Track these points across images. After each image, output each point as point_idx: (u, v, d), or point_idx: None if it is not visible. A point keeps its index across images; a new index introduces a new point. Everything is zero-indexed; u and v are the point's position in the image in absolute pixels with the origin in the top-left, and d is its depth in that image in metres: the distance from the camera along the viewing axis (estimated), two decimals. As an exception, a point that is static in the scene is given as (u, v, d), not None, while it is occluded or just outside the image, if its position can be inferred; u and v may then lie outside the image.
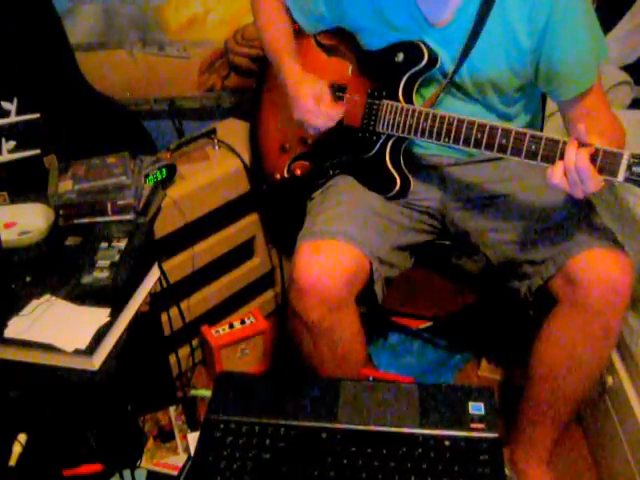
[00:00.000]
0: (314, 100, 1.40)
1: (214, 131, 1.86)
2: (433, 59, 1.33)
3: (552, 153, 1.15)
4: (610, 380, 1.50)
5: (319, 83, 1.42)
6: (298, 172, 1.57)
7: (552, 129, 1.74)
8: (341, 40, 1.48)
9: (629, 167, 1.08)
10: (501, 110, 1.40)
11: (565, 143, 1.13)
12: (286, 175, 1.60)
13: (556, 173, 1.12)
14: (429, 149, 1.46)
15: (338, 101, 1.44)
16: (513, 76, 1.33)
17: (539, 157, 1.17)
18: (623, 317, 1.27)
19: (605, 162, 1.09)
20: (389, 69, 1.37)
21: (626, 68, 2.00)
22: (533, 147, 1.17)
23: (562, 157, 1.13)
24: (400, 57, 1.35)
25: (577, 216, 1.31)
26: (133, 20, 2.10)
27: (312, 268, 1.28)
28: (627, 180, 1.08)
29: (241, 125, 1.95)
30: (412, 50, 1.33)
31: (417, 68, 1.33)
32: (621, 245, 1.27)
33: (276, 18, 1.53)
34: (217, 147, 1.85)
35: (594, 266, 1.22)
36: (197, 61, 2.14)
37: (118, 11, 2.08)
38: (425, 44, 1.32)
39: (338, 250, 1.30)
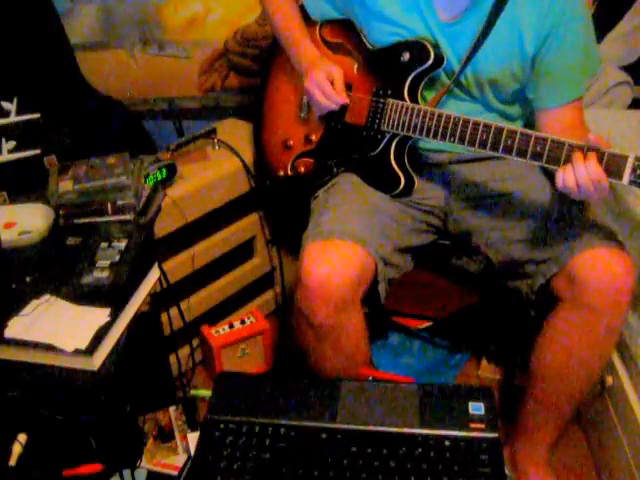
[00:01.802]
0: (327, 78, 1.41)
1: (214, 131, 1.85)
2: (439, 59, 1.33)
3: (557, 155, 1.15)
4: (610, 380, 1.49)
5: (335, 66, 1.43)
6: (302, 170, 1.58)
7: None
8: (347, 38, 1.48)
9: (634, 170, 1.07)
10: (501, 109, 1.41)
11: (571, 145, 1.13)
12: (289, 172, 1.60)
13: (568, 180, 1.12)
14: (432, 145, 1.46)
15: (336, 111, 1.45)
16: (512, 79, 1.33)
17: (544, 159, 1.17)
18: (624, 316, 1.27)
19: (610, 165, 1.09)
20: (395, 68, 1.37)
21: (626, 68, 2.00)
22: (538, 148, 1.17)
23: (567, 160, 1.13)
24: (406, 57, 1.35)
25: (579, 215, 1.32)
26: (133, 20, 2.09)
27: (319, 268, 1.27)
28: (631, 183, 1.08)
29: (241, 125, 1.95)
30: (418, 50, 1.33)
31: (423, 68, 1.34)
32: (623, 244, 1.27)
33: (286, 2, 1.54)
34: (217, 147, 1.85)
35: (596, 265, 1.22)
36: (197, 61, 2.14)
37: (118, 11, 2.08)
38: (431, 43, 1.32)
39: (345, 250, 1.30)
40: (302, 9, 1.54)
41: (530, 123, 1.50)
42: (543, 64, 1.29)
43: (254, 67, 2.13)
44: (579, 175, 1.10)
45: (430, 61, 1.32)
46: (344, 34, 1.48)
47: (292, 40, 1.52)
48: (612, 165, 1.09)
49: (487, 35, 1.27)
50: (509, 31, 1.27)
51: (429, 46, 1.32)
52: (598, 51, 1.34)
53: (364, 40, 1.44)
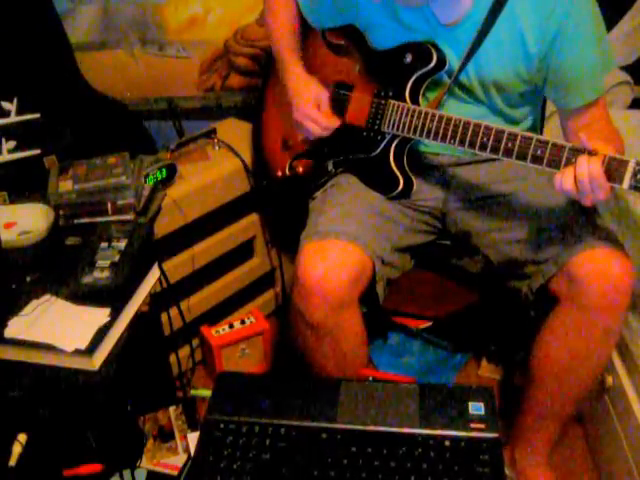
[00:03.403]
0: (314, 106, 1.42)
1: (214, 131, 1.86)
2: (441, 61, 1.32)
3: (558, 158, 1.15)
4: (610, 380, 1.49)
5: (320, 89, 1.44)
6: (300, 170, 1.58)
7: (551, 130, 1.74)
8: (349, 39, 1.48)
9: (634, 174, 1.07)
10: (506, 112, 1.40)
11: (571, 149, 1.13)
12: (288, 173, 1.60)
13: (566, 181, 1.12)
14: (431, 147, 1.46)
15: (336, 111, 1.45)
16: (518, 80, 1.33)
17: (544, 162, 1.17)
18: (623, 317, 1.27)
19: (611, 169, 1.09)
20: (397, 70, 1.37)
21: (626, 68, 2.00)
22: (539, 152, 1.17)
23: (568, 163, 1.13)
24: (408, 58, 1.35)
25: (578, 216, 1.31)
26: (133, 20, 2.10)
27: (317, 268, 1.28)
28: (631, 187, 1.08)
29: (241, 125, 1.96)
30: (421, 52, 1.33)
31: (425, 70, 1.33)
32: (622, 245, 1.27)
33: (285, 14, 1.54)
34: (217, 147, 1.85)
35: (595, 266, 1.22)
36: (197, 61, 2.14)
37: (118, 11, 2.08)
38: (434, 46, 1.32)
39: (342, 250, 1.30)
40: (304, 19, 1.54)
41: (536, 125, 1.50)
42: (558, 67, 1.27)
43: (254, 67, 2.13)
44: (580, 171, 1.10)
45: (432, 63, 1.32)
46: (347, 35, 1.48)
47: (279, 59, 1.52)
48: (613, 169, 1.08)
49: (485, 36, 1.27)
50: (510, 33, 1.26)
51: (432, 48, 1.31)
52: (610, 47, 1.32)
53: (367, 41, 1.44)
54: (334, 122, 1.43)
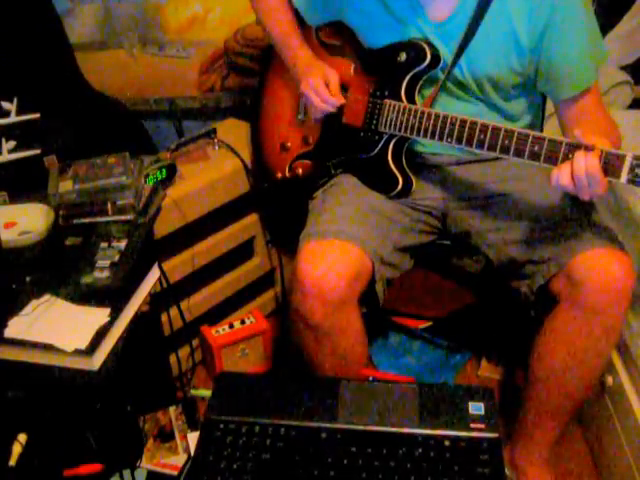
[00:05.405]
0: (323, 82, 1.41)
1: (214, 131, 1.86)
2: (436, 59, 1.32)
3: (555, 154, 1.15)
4: (610, 380, 1.49)
5: (330, 69, 1.44)
6: (300, 171, 1.58)
7: (551, 129, 1.74)
8: (343, 39, 1.48)
9: (632, 168, 1.07)
10: (503, 108, 1.40)
11: (568, 145, 1.13)
12: (287, 174, 1.60)
13: (563, 176, 1.12)
14: (431, 148, 1.46)
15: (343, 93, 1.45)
16: (511, 73, 1.33)
17: (542, 158, 1.17)
18: (624, 317, 1.27)
19: (608, 163, 1.09)
20: (392, 69, 1.37)
21: (626, 68, 2.00)
22: (536, 148, 1.17)
23: (565, 159, 1.13)
24: (403, 57, 1.35)
25: (579, 216, 1.32)
26: (133, 20, 2.10)
27: (315, 268, 1.28)
28: (629, 181, 1.08)
29: (241, 125, 1.95)
30: (415, 50, 1.33)
31: (420, 68, 1.33)
32: (622, 245, 1.27)
33: (279, 6, 1.54)
34: (217, 147, 1.85)
35: (595, 266, 1.22)
36: (197, 61, 2.14)
37: (118, 11, 2.08)
38: (428, 43, 1.32)
39: (341, 250, 1.30)
40: (297, 12, 1.54)
41: (535, 124, 1.50)
42: (548, 57, 1.28)
43: (254, 67, 2.13)
44: (577, 167, 1.10)
45: (427, 61, 1.32)
46: (341, 35, 1.48)
47: (286, 43, 1.52)
48: (610, 164, 1.09)
49: (475, 31, 1.27)
50: (501, 26, 1.27)
51: (426, 46, 1.32)
52: (602, 39, 1.32)
53: (361, 41, 1.44)
54: (337, 99, 1.42)
